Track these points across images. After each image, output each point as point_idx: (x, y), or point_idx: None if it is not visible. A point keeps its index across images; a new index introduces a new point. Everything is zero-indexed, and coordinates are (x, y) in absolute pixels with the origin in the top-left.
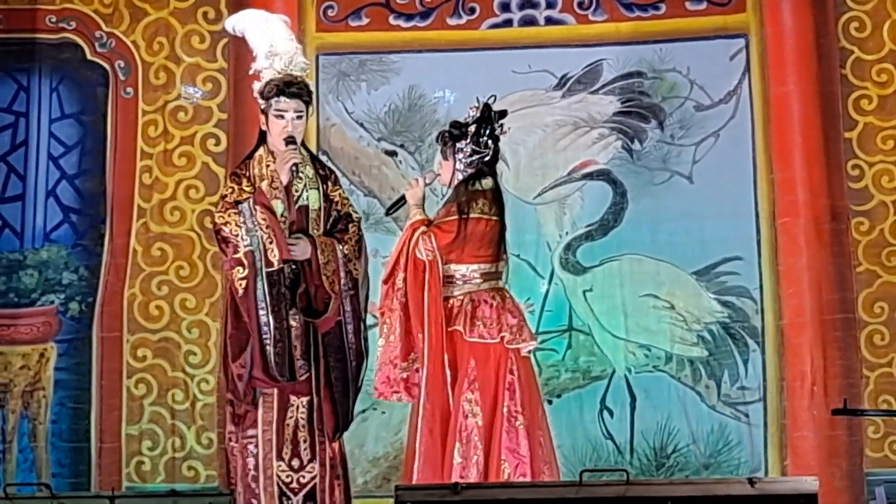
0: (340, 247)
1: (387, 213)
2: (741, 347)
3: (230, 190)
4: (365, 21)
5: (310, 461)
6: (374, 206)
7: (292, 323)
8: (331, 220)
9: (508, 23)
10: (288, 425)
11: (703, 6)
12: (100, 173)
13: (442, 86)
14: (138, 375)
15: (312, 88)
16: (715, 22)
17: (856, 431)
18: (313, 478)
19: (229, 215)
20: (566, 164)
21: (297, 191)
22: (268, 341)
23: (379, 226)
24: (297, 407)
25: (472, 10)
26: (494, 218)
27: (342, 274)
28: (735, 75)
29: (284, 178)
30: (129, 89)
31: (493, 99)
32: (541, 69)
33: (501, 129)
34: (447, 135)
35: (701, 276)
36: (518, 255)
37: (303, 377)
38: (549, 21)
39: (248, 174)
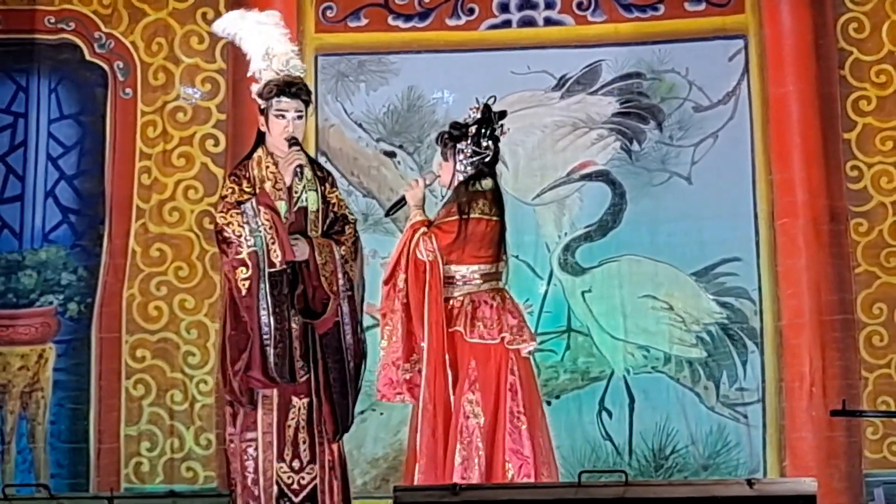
0: (338, 248)
1: (387, 214)
2: (740, 348)
3: (230, 190)
4: (364, 22)
5: (309, 462)
6: (372, 206)
7: (293, 325)
8: (328, 221)
9: (507, 23)
10: (289, 427)
11: (702, 7)
12: (99, 174)
13: (441, 87)
14: (137, 376)
15: (311, 89)
16: (714, 23)
17: (854, 432)
18: (313, 479)
19: (231, 216)
20: (565, 165)
21: (296, 192)
22: (268, 342)
23: (378, 227)
24: (299, 408)
25: (471, 11)
26: (495, 218)
27: (340, 275)
28: (734, 76)
29: (288, 179)
30: (128, 90)
31: (492, 100)
32: (540, 70)
33: (501, 130)
34: (447, 136)
35: (700, 277)
36: (517, 256)
37: (302, 378)
38: (548, 22)
39: (247, 175)
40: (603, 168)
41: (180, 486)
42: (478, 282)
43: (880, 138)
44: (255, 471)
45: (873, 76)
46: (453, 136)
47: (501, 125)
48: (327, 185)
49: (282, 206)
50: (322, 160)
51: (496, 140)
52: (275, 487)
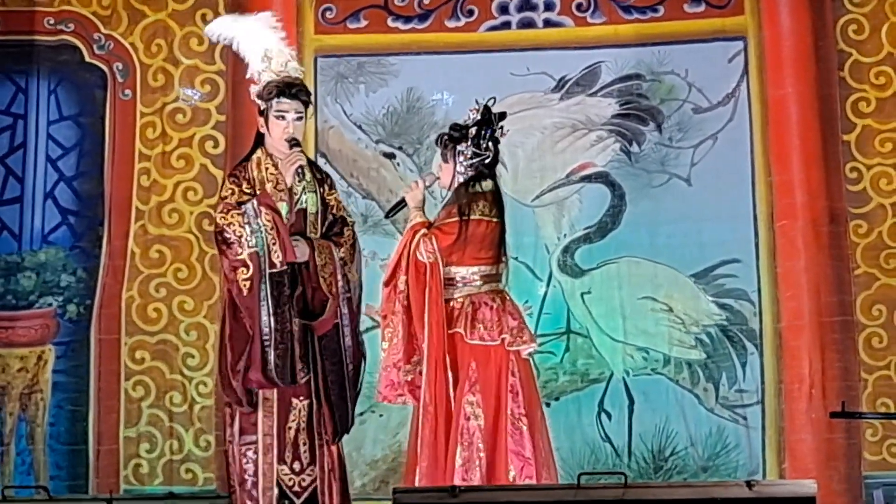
0: (337, 250)
1: (387, 216)
2: (739, 350)
3: (230, 191)
4: (363, 23)
5: (310, 464)
6: (372, 208)
7: (294, 327)
8: (327, 223)
9: (507, 25)
10: (290, 428)
11: (702, 9)
12: (98, 175)
13: (440, 88)
14: (136, 378)
15: (310, 90)
16: (713, 24)
17: (854, 434)
18: (313, 481)
19: (232, 216)
20: (564, 167)
21: (296, 193)
22: (268, 343)
23: (377, 228)
24: (299, 410)
25: (471, 13)
26: (495, 220)
27: (339, 276)
28: (733, 78)
29: (289, 180)
30: (128, 91)
31: (492, 101)
32: (539, 71)
33: (502, 132)
34: (447, 137)
35: (699, 278)
36: (516, 258)
37: (302, 380)
38: (548, 23)
39: (247, 176)
40: (602, 170)
41: (179, 488)
42: (478, 283)
43: (880, 140)
44: (255, 473)
45: (873, 78)
46: (453, 137)
47: (501, 126)
48: (326, 187)
49: (283, 208)
50: (321, 162)
51: (496, 141)
52: (275, 490)
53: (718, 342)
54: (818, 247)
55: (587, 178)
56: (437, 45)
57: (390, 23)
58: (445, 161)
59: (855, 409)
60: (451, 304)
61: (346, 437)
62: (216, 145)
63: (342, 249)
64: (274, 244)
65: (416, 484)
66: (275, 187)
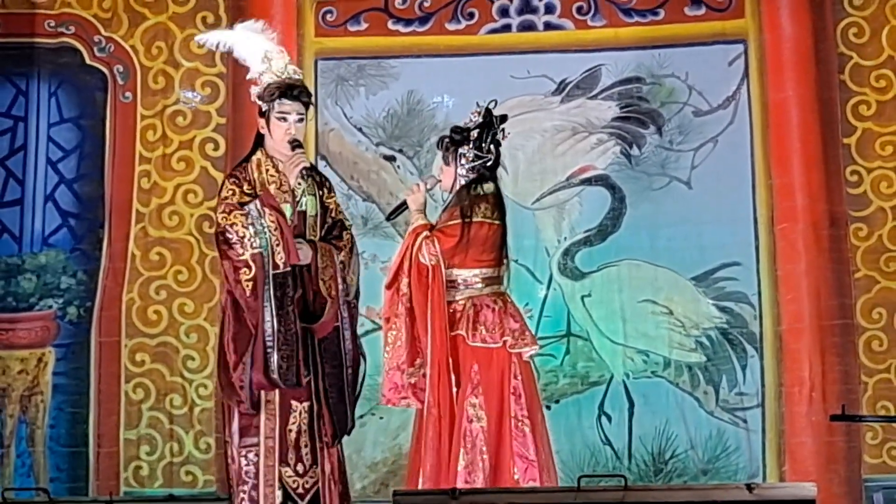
0: (337, 253)
1: (387, 219)
2: (739, 353)
3: (231, 192)
4: (364, 26)
5: (312, 466)
6: (372, 210)
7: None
8: (325, 226)
9: (507, 28)
10: (290, 431)
11: (702, 12)
12: (98, 178)
13: (441, 91)
14: (136, 380)
15: (311, 92)
16: (713, 27)
17: (854, 437)
18: (316, 482)
19: (235, 216)
20: (565, 170)
21: (296, 196)
22: (270, 345)
23: (377, 231)
24: (300, 413)
25: (471, 16)
26: (496, 222)
27: (339, 280)
28: (734, 81)
29: (293, 181)
30: (128, 94)
31: (493, 104)
32: (539, 74)
33: (503, 134)
34: (448, 140)
35: (699, 281)
36: (517, 261)
37: (304, 382)
38: (548, 26)
39: (248, 177)
40: (602, 172)
41: (179, 490)
42: (480, 285)
43: (880, 143)
44: (256, 475)
45: (873, 81)
46: (455, 140)
47: (503, 129)
48: (325, 190)
49: (287, 209)
50: (322, 164)
51: (497, 144)
52: (278, 492)
53: (718, 345)
54: (818, 250)
55: (587, 181)
56: (438, 48)
57: (391, 25)
58: (446, 164)
59: (855, 412)
60: (453, 306)
61: (346, 439)
62: (216, 148)
63: (342, 253)
64: (277, 245)
65: (420, 486)
66: (278, 188)
